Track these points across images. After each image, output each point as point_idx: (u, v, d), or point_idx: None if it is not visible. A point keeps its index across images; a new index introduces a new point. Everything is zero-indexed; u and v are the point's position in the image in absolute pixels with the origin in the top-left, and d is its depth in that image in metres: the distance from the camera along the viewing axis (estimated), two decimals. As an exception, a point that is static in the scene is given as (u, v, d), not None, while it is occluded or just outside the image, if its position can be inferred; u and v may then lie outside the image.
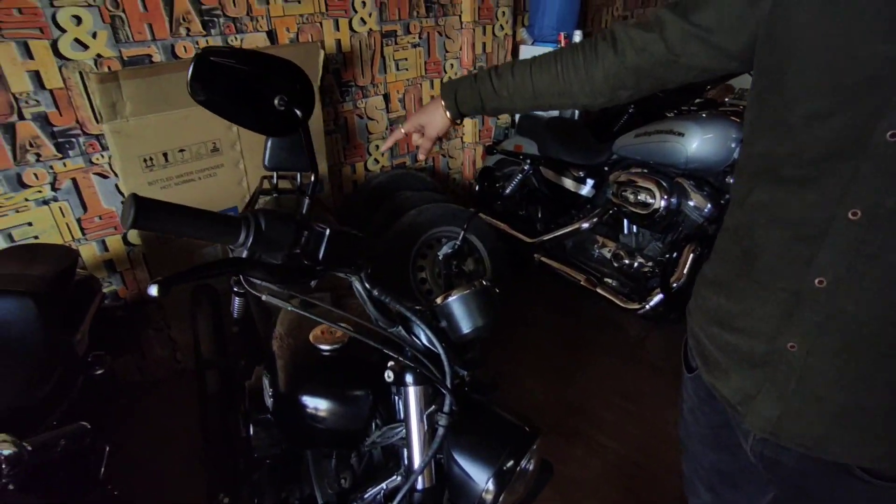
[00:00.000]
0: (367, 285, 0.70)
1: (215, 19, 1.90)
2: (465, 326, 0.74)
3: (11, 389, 1.05)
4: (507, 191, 2.69)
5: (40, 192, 1.71)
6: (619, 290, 2.13)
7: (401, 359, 0.73)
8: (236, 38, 1.98)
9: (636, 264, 2.12)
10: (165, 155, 1.82)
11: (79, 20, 1.63)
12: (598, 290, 2.18)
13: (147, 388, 2.05)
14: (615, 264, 2.21)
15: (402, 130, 1.08)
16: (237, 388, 1.35)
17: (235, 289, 1.41)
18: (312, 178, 0.66)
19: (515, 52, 3.06)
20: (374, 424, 0.88)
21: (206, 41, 1.90)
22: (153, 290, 0.48)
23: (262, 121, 0.60)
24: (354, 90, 2.44)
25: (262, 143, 0.97)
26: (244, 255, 0.59)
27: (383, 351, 0.73)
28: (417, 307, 0.74)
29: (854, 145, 0.58)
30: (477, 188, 2.97)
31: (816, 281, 0.64)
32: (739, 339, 0.75)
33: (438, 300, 0.76)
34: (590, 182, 2.42)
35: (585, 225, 2.28)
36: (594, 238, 2.34)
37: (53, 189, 1.74)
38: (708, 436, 0.93)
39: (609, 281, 2.19)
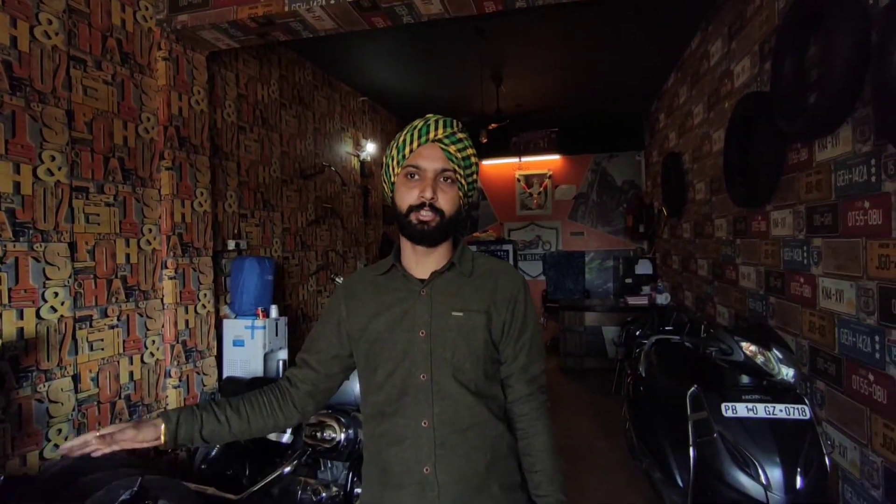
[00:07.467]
0: None
1: None
2: None
3: None
4: (213, 452, 2.78)
5: None
6: (318, 524, 2.34)
7: None
8: None
9: (332, 495, 2.41)
10: None
11: None
12: (303, 531, 2.34)
13: None
14: (315, 499, 2.45)
15: (101, 434, 1.12)
16: None
17: None
18: None
19: (219, 325, 3.49)
20: None
21: None
22: None
23: None
24: (35, 374, 2.40)
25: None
26: None
27: None
28: None
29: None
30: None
31: (424, 469, 1.08)
32: None
33: None
34: (289, 429, 2.75)
35: (287, 469, 2.52)
36: (297, 480, 2.57)
37: None
38: None
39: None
